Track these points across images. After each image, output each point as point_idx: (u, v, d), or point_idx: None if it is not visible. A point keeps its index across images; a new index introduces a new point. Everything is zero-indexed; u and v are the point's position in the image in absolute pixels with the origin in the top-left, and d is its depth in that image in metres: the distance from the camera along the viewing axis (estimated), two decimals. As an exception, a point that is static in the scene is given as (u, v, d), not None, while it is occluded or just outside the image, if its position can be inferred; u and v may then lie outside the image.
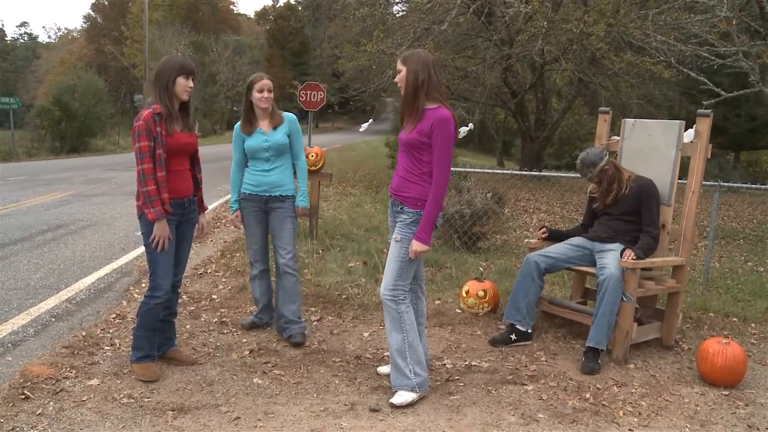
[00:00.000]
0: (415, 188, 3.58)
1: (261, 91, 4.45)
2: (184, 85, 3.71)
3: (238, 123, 4.63)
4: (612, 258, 4.48)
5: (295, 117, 4.72)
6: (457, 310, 5.38)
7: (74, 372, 3.87)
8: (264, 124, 4.55)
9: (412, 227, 3.56)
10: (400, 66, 3.61)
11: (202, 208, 4.11)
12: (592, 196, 5.02)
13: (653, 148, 4.88)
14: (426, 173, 3.57)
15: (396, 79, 3.66)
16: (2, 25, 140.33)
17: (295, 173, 4.73)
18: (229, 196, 4.98)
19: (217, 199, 12.45)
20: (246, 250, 5.00)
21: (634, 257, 4.35)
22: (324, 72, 45.54)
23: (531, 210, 13.01)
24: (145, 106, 3.72)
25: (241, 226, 4.73)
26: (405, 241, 3.58)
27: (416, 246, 3.54)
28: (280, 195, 4.57)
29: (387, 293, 3.62)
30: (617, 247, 4.59)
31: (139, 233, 3.91)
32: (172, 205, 3.72)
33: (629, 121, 5.10)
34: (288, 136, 4.58)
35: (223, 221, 9.87)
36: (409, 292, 3.70)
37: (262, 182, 4.54)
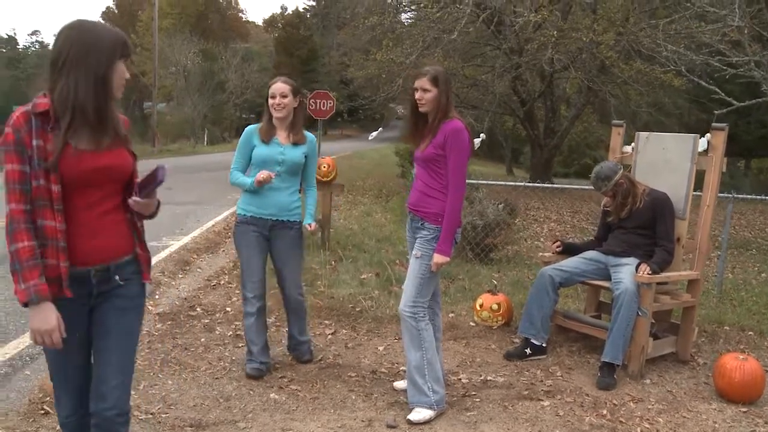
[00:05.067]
0: (435, 203, 3.59)
1: (273, 96, 4.02)
2: (122, 75, 2.21)
3: (251, 126, 4.20)
4: (627, 272, 4.47)
5: (314, 138, 4.31)
6: (471, 324, 5.39)
7: (92, 387, 3.88)
8: (282, 136, 4.11)
9: (433, 243, 3.57)
10: (428, 86, 3.57)
11: (146, 277, 2.43)
12: (606, 209, 5.01)
13: (667, 161, 4.88)
14: (445, 186, 3.59)
15: (421, 99, 3.61)
16: (14, 33, 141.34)
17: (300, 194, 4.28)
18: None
19: (227, 208, 12.45)
20: (241, 284, 4.24)
21: (650, 272, 4.35)
22: (332, 79, 45.78)
23: (541, 219, 13.00)
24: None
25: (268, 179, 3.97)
26: (426, 258, 3.58)
27: (438, 258, 3.55)
28: (288, 220, 4.11)
29: (407, 310, 3.63)
30: (632, 261, 4.58)
31: None
32: (79, 278, 2.21)
33: (643, 134, 5.10)
34: (305, 156, 4.17)
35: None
36: (427, 309, 3.71)
37: (268, 203, 4.04)
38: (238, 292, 6.14)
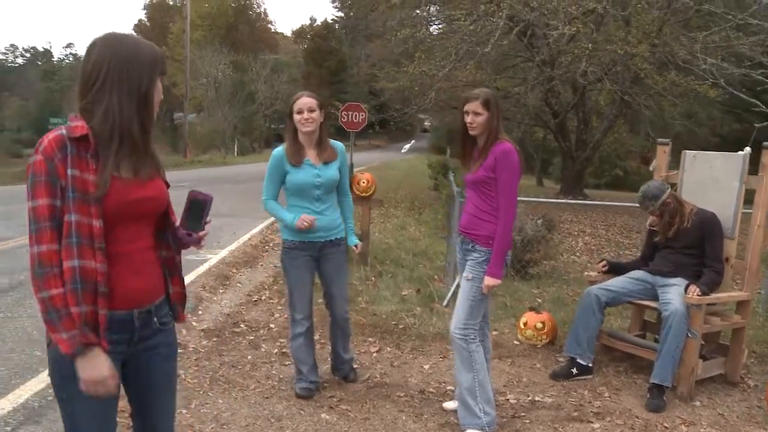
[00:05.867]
0: (486, 226, 3.60)
1: (300, 111, 3.86)
2: (160, 93, 2.03)
3: (278, 148, 4.01)
4: (676, 293, 4.43)
5: (342, 147, 4.18)
6: (515, 342, 5.37)
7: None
8: (312, 155, 3.96)
9: (484, 266, 3.58)
10: (480, 109, 3.59)
11: (181, 318, 2.22)
12: (652, 229, 4.98)
13: (715, 180, 4.84)
14: (496, 209, 3.60)
15: (473, 123, 3.62)
16: (50, 46, 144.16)
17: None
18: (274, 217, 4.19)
19: (262, 221, 12.53)
20: (289, 305, 4.22)
21: (699, 293, 4.31)
22: (361, 90, 45.91)
23: (575, 233, 12.91)
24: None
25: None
26: (477, 280, 3.60)
27: (489, 281, 3.56)
28: (336, 238, 4.09)
29: (458, 332, 3.64)
30: (680, 281, 4.54)
31: None
32: (117, 324, 1.95)
33: (689, 153, 5.07)
34: (339, 171, 4.08)
35: (271, 244, 9.96)
36: (478, 331, 3.72)
37: (315, 227, 3.98)
38: (280, 308, 6.20)
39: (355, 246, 4.27)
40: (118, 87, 1.87)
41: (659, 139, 5.41)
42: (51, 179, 1.81)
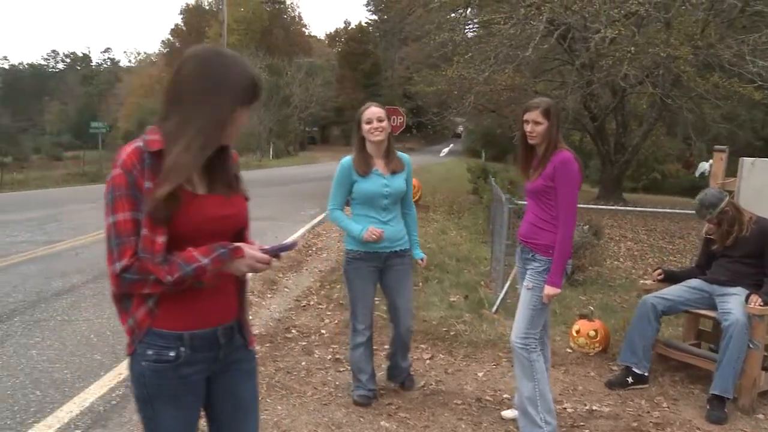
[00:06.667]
0: (546, 235, 3.60)
1: (369, 122, 3.85)
2: (241, 122, 1.93)
3: (346, 158, 3.99)
4: (736, 303, 4.38)
5: (409, 158, 4.17)
6: (568, 350, 5.34)
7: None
8: (380, 165, 3.96)
9: (544, 275, 3.58)
10: (540, 118, 3.58)
11: (251, 340, 2.14)
12: (709, 237, 4.91)
13: (774, 187, 4.77)
14: (555, 218, 3.60)
15: (533, 132, 3.62)
16: (89, 51, 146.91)
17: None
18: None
19: (302, 225, 12.63)
20: (351, 314, 4.20)
21: (761, 303, 4.25)
22: (395, 93, 46.05)
23: (617, 238, 12.77)
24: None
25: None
26: (537, 289, 3.60)
27: (549, 290, 3.56)
28: (401, 249, 4.07)
29: (518, 341, 3.64)
30: (740, 291, 4.48)
31: None
32: (201, 342, 1.94)
33: (748, 160, 5.00)
34: (406, 181, 4.06)
35: (314, 248, 10.04)
36: (539, 340, 3.71)
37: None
38: (329, 313, 6.25)
39: (421, 260, 4.26)
40: (195, 108, 1.81)
41: (716, 146, 5.34)
42: (132, 192, 1.78)
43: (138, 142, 1.82)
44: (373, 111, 3.88)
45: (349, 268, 4.07)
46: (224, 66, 1.84)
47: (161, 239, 1.78)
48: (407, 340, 4.29)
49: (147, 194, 1.77)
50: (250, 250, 1.88)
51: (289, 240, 2.26)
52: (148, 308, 1.86)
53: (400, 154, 4.09)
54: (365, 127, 3.88)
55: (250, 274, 2.01)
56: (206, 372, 1.99)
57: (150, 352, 1.88)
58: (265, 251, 1.92)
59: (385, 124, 3.88)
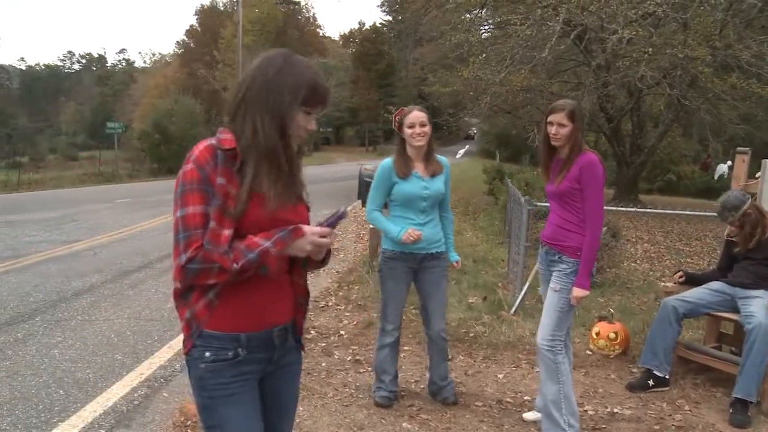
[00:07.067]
0: (574, 237, 3.60)
1: (412, 126, 3.85)
2: (302, 125, 1.95)
3: (387, 160, 4.03)
4: (759, 306, 4.35)
5: (448, 162, 4.18)
6: (588, 352, 5.33)
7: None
8: (420, 168, 3.97)
9: (572, 277, 3.58)
10: (565, 121, 3.57)
11: (302, 345, 2.18)
12: (730, 239, 4.89)
13: (797, 190, 4.74)
14: (582, 220, 3.60)
15: (557, 134, 3.61)
16: (104, 52, 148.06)
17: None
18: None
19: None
20: (381, 314, 4.21)
21: (785, 306, 4.23)
22: (409, 93, 45.99)
23: (633, 240, 12.71)
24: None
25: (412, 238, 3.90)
26: (564, 291, 3.59)
27: (577, 292, 3.56)
28: (437, 252, 4.05)
29: (545, 343, 3.64)
30: (763, 294, 4.46)
31: None
32: (257, 343, 1.97)
33: (770, 162, 4.97)
34: (444, 184, 4.06)
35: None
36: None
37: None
38: (348, 314, 6.26)
39: (456, 262, 4.26)
40: (258, 107, 1.87)
41: (738, 148, 5.32)
42: (203, 187, 1.82)
43: (211, 140, 1.89)
44: (416, 115, 3.88)
45: (384, 267, 4.08)
46: (287, 66, 1.89)
47: (228, 232, 1.81)
48: (441, 344, 4.19)
49: (219, 190, 1.81)
50: (309, 228, 1.90)
51: (342, 209, 2.35)
52: (208, 300, 1.88)
53: (438, 157, 4.10)
54: (407, 131, 3.89)
55: (309, 281, 2.03)
56: (261, 373, 2.02)
57: (208, 354, 1.90)
58: (321, 224, 1.93)
59: (427, 128, 3.89)
